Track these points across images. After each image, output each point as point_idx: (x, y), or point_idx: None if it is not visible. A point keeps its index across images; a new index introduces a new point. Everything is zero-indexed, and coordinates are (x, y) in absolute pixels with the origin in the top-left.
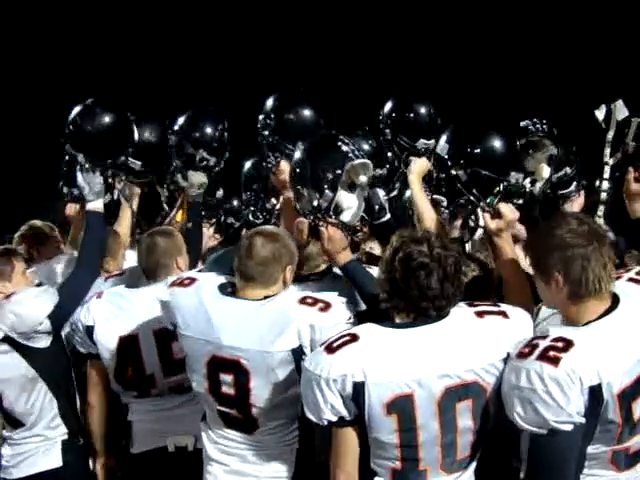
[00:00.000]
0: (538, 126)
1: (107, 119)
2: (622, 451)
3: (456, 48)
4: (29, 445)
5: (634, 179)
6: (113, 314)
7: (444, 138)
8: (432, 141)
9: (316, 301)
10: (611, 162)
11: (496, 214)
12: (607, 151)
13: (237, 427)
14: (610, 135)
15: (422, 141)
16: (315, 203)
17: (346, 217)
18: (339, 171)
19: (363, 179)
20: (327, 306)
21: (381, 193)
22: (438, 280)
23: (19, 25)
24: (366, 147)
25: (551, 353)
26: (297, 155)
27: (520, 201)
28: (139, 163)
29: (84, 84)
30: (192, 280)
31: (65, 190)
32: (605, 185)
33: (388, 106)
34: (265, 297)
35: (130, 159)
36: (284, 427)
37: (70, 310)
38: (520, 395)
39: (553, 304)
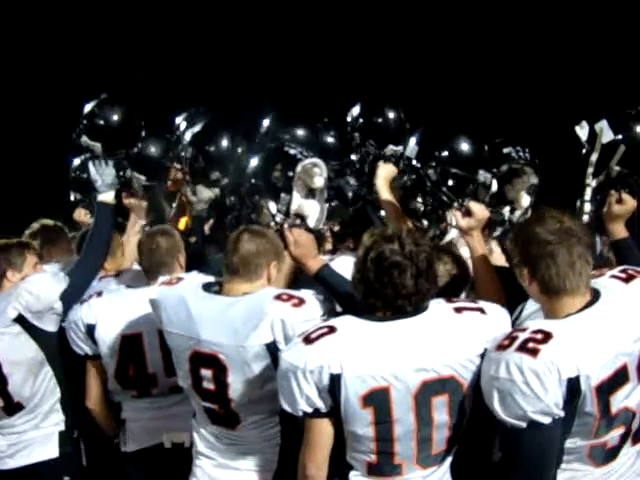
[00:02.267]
0: (520, 154)
1: (122, 109)
2: (599, 446)
3: (430, 55)
4: (27, 434)
5: (616, 201)
6: (116, 312)
7: (413, 140)
8: (400, 147)
9: (291, 297)
10: (593, 184)
11: (467, 212)
12: (590, 173)
13: (221, 423)
14: (594, 157)
15: (391, 147)
16: (274, 210)
17: (310, 223)
18: (291, 173)
19: (319, 182)
20: (301, 302)
21: (352, 181)
22: (412, 277)
23: (21, 31)
24: (330, 139)
25: (530, 345)
26: (248, 168)
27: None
28: (144, 178)
29: (86, 90)
30: (179, 279)
31: (73, 196)
32: (587, 207)
33: (357, 110)
34: (244, 293)
35: (135, 174)
36: (265, 422)
37: (77, 296)
38: (499, 386)
39: (532, 297)
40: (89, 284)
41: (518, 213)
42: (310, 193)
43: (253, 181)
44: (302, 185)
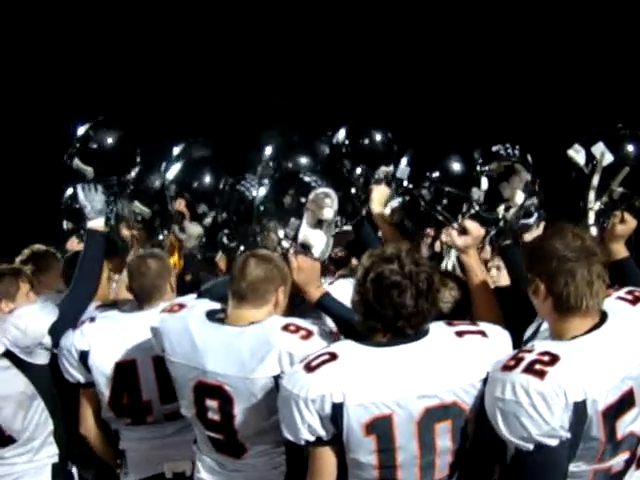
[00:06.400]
0: (510, 151)
1: (118, 134)
2: (604, 471)
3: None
4: (19, 466)
5: (619, 221)
6: (109, 338)
7: (404, 162)
8: (391, 167)
9: (298, 329)
10: (596, 207)
11: (462, 231)
12: (591, 197)
13: (226, 452)
14: (595, 181)
15: (382, 168)
16: (282, 234)
17: (315, 254)
18: (303, 199)
19: (329, 214)
20: (309, 335)
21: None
22: (412, 297)
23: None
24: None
25: (537, 366)
26: (260, 192)
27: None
28: (148, 211)
29: (80, 117)
30: (181, 306)
31: (65, 225)
32: (593, 231)
33: (342, 135)
34: (251, 322)
35: (139, 206)
36: (271, 451)
37: (68, 328)
38: (504, 407)
39: (541, 314)
40: (81, 315)
41: (513, 211)
42: (318, 224)
43: (262, 207)
44: (311, 215)
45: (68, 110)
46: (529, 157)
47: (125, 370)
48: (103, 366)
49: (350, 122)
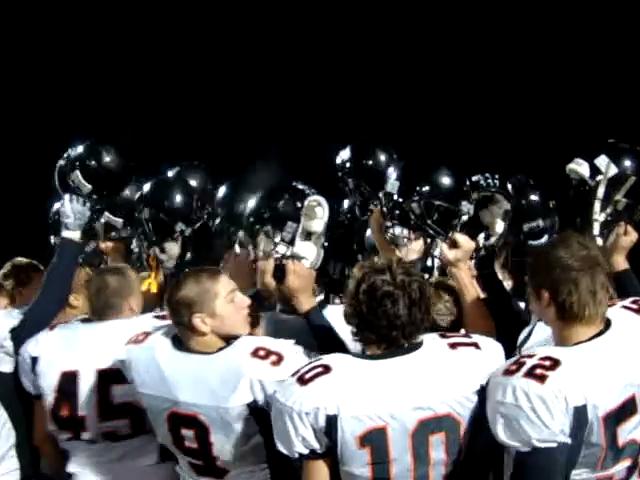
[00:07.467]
0: (490, 181)
1: (119, 156)
2: (606, 479)
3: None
4: None
5: (623, 232)
6: (58, 347)
7: (393, 176)
8: None
9: (269, 354)
10: (601, 219)
11: (453, 244)
12: (597, 208)
13: (208, 474)
14: (601, 193)
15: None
16: (278, 238)
17: (306, 265)
18: (299, 204)
19: (318, 226)
20: (279, 359)
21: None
22: (405, 307)
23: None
24: None
25: (538, 371)
26: (252, 202)
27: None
28: (120, 221)
29: (69, 134)
30: (146, 335)
31: (53, 240)
32: (599, 242)
33: (346, 154)
34: (220, 349)
35: (111, 217)
36: (254, 469)
37: (32, 334)
38: (505, 411)
39: (544, 321)
40: (46, 322)
41: (493, 239)
42: (307, 236)
43: (255, 213)
44: (305, 216)
45: (57, 125)
46: (509, 185)
47: (68, 381)
48: (48, 375)
49: (355, 142)
